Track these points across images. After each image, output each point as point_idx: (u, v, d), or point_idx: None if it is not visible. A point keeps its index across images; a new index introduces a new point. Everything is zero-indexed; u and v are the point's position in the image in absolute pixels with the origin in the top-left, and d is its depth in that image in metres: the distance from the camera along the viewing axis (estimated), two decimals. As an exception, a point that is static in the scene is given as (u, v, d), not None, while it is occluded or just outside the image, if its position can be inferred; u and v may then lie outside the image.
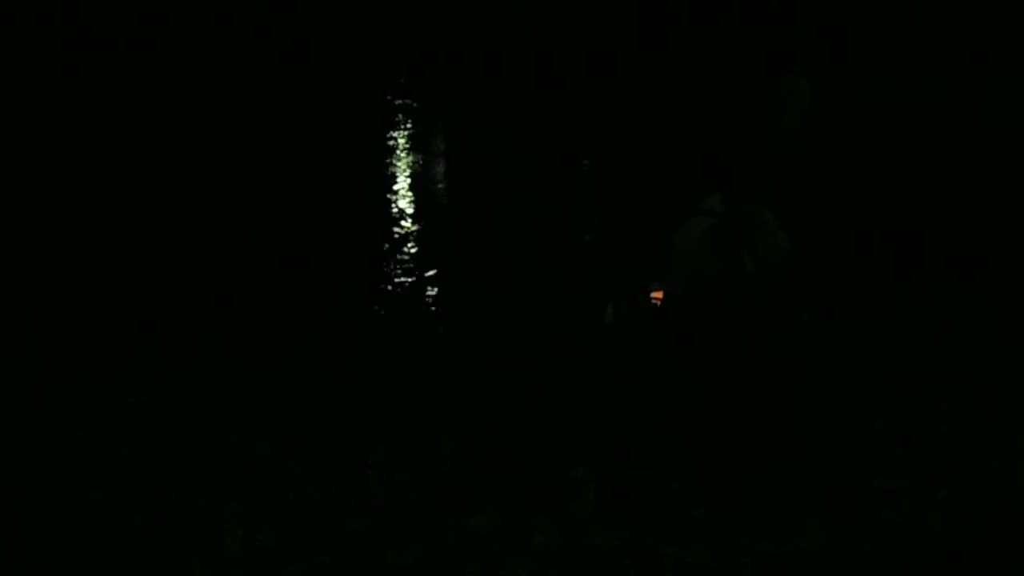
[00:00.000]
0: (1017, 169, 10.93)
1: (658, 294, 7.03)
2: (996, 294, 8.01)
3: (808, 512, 5.29)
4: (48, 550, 5.17)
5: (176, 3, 17.88)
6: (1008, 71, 12.69)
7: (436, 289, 8.82)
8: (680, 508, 5.37)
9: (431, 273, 9.20)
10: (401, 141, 14.37)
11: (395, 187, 12.00)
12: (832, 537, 5.11)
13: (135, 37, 16.77)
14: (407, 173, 12.73)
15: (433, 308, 8.42)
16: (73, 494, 5.64)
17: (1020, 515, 5.29)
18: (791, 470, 5.64)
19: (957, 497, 5.43)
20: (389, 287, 8.91)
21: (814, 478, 5.59)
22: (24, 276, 9.07)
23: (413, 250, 9.76)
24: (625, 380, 6.76)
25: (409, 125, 15.33)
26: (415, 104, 16.51)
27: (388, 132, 14.74)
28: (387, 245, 9.86)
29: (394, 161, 13.27)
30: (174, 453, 6.06)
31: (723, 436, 5.55)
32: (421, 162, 13.29)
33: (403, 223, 10.55)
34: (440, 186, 12.35)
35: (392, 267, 9.33)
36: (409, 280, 9.06)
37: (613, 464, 5.78)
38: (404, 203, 11.36)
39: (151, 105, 15.14)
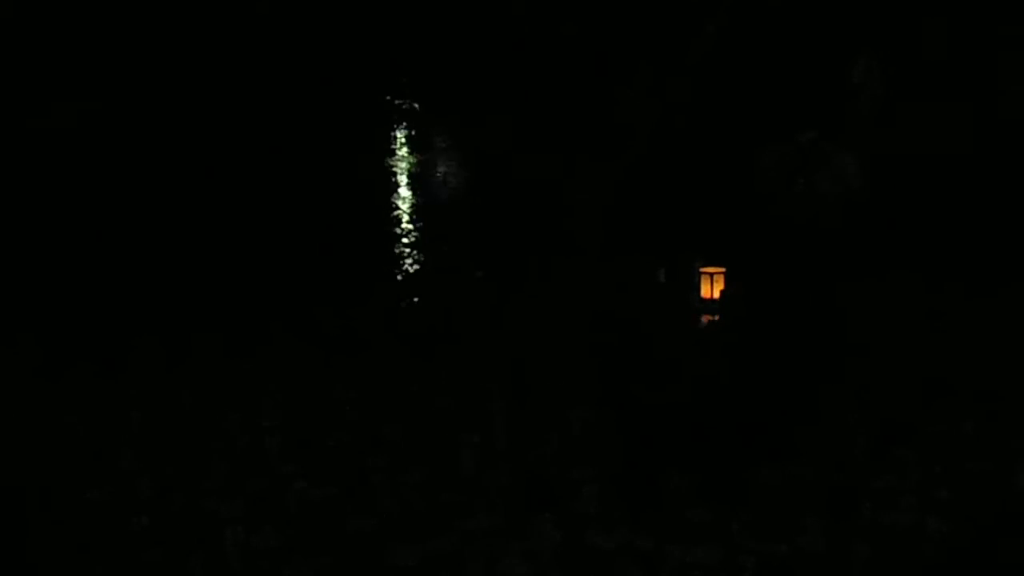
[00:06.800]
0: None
1: (707, 269, 7.39)
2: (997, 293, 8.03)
3: (809, 512, 5.28)
4: (48, 550, 5.17)
5: (175, 3, 17.89)
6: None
7: (438, 289, 8.82)
8: (680, 508, 5.37)
9: (434, 272, 9.21)
10: (401, 142, 14.38)
11: (397, 188, 12.01)
12: (832, 537, 5.11)
13: (133, 37, 16.78)
14: (408, 174, 12.74)
15: (436, 308, 8.43)
16: (73, 494, 5.64)
17: (1020, 515, 5.29)
18: (792, 470, 5.64)
19: (957, 497, 5.44)
20: (392, 285, 8.91)
21: (815, 478, 5.59)
22: (24, 275, 9.08)
23: (416, 250, 9.77)
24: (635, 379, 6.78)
25: (410, 126, 15.33)
26: (416, 105, 16.50)
27: (389, 133, 14.75)
28: (390, 245, 9.87)
29: (396, 162, 13.27)
30: (176, 453, 6.06)
31: (732, 433, 5.61)
32: (422, 164, 13.30)
33: (405, 223, 10.55)
34: (441, 186, 12.35)
35: (395, 266, 9.33)
36: (412, 280, 9.06)
37: (615, 464, 5.78)
38: (405, 205, 11.36)
39: (149, 105, 15.13)
